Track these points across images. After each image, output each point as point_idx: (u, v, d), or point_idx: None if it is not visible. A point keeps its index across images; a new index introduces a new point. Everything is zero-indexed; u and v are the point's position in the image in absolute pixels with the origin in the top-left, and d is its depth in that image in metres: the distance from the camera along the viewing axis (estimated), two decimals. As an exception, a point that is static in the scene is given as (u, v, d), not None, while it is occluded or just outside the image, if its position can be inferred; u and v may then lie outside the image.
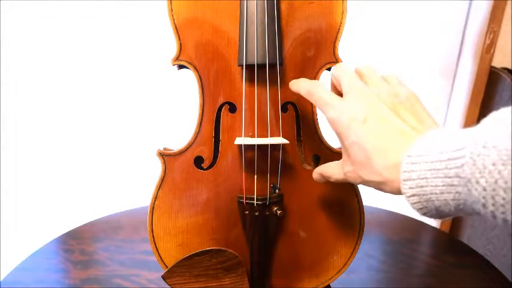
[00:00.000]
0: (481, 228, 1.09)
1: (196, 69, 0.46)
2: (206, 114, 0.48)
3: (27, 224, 1.09)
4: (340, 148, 0.51)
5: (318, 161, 0.50)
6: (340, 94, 0.38)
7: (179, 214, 0.49)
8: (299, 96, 0.44)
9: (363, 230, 0.52)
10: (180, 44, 0.46)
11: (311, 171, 0.48)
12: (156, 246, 0.50)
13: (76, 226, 0.76)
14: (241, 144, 0.46)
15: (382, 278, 0.65)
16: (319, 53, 0.47)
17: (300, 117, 0.49)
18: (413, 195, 0.30)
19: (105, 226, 0.77)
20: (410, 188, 0.30)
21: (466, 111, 1.05)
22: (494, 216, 0.25)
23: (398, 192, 0.32)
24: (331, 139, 0.50)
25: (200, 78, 0.47)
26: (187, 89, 0.63)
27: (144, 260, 0.67)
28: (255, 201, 0.48)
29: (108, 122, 1.02)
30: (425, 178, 0.29)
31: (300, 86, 0.42)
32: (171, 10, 0.44)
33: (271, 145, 0.47)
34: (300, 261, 0.52)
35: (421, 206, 0.30)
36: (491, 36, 0.96)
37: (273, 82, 0.46)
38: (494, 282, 0.64)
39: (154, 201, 0.49)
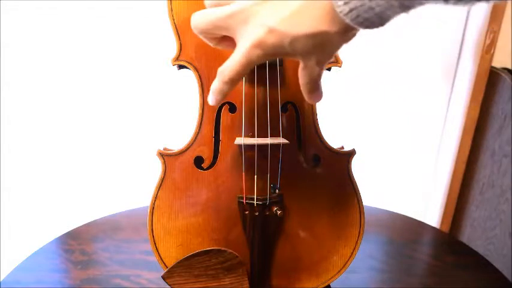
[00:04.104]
0: (481, 228, 1.09)
1: (196, 69, 0.46)
2: (206, 114, 0.47)
3: (27, 224, 1.09)
4: (340, 148, 0.51)
5: (318, 161, 0.50)
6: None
7: (179, 214, 0.49)
8: (299, 96, 0.44)
9: (363, 230, 0.52)
10: (180, 44, 0.45)
11: (311, 171, 0.48)
12: (156, 247, 0.50)
13: (76, 226, 0.76)
14: (241, 144, 0.46)
15: (382, 278, 0.65)
16: (319, 53, 0.47)
17: (300, 117, 0.49)
18: (351, 10, 0.27)
19: (105, 226, 0.77)
20: (345, 3, 0.27)
21: (466, 111, 1.05)
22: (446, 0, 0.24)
23: (342, 28, 0.29)
24: (331, 139, 0.50)
25: (200, 78, 0.47)
26: (187, 89, 0.63)
27: (144, 260, 0.67)
28: (255, 201, 0.48)
29: (108, 122, 1.02)
30: None
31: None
32: (171, 10, 0.44)
33: (271, 145, 0.47)
34: (300, 261, 0.52)
35: (362, 20, 0.28)
36: (491, 36, 0.96)
37: (273, 82, 0.46)
38: (494, 282, 0.64)
39: (155, 201, 0.49)
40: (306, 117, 0.49)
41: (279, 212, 0.47)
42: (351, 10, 0.27)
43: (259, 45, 0.31)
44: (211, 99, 0.36)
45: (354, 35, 0.32)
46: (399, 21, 0.29)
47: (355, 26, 0.29)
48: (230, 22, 0.32)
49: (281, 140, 0.46)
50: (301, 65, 0.33)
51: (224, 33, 0.34)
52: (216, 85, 0.35)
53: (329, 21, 0.29)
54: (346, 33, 0.30)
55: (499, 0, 0.23)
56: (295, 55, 0.32)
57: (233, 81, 0.34)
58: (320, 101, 0.40)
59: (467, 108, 1.05)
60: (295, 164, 0.49)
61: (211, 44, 0.36)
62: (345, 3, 0.27)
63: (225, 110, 0.47)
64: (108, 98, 1.00)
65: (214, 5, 0.34)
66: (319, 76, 0.34)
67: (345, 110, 1.05)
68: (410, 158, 1.13)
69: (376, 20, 0.28)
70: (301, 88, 0.35)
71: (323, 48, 0.31)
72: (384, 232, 0.78)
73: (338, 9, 0.28)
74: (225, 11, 0.32)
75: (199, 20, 0.34)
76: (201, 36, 0.35)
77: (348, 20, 0.28)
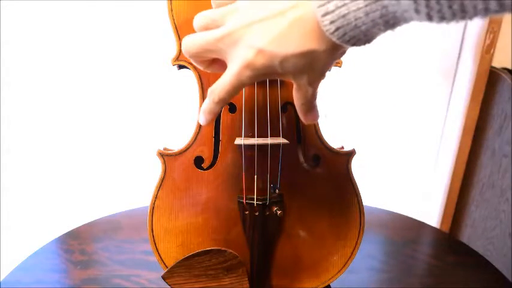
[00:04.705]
0: (481, 228, 1.09)
1: (196, 69, 0.46)
2: (206, 114, 0.47)
3: (27, 224, 1.09)
4: (340, 148, 0.51)
5: (318, 161, 0.50)
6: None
7: (179, 214, 0.49)
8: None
9: (363, 230, 0.52)
10: (180, 44, 0.45)
11: (311, 171, 0.48)
12: (156, 247, 0.50)
13: (76, 226, 0.76)
14: (241, 145, 0.46)
15: (382, 278, 0.65)
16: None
17: (300, 118, 0.48)
18: (338, 28, 0.27)
19: (105, 226, 0.77)
20: (331, 22, 0.27)
21: (466, 111, 1.05)
22: (430, 18, 0.24)
23: (330, 46, 0.29)
24: (331, 139, 0.50)
25: (200, 78, 0.47)
26: (187, 89, 0.63)
27: (144, 260, 0.67)
28: (255, 201, 0.48)
29: (108, 122, 1.02)
30: (345, 5, 0.27)
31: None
32: (171, 10, 0.44)
33: (271, 145, 0.47)
34: (300, 261, 0.52)
35: (348, 38, 0.28)
36: (491, 36, 0.96)
37: (273, 82, 0.46)
38: (494, 282, 0.64)
39: (155, 201, 0.49)
40: (306, 117, 0.49)
41: (279, 212, 0.47)
42: (337, 28, 0.28)
43: (248, 66, 0.31)
44: (202, 119, 0.37)
45: (344, 52, 0.32)
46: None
47: (342, 44, 0.29)
48: (220, 45, 0.32)
49: (281, 140, 0.46)
50: (294, 87, 0.34)
51: (215, 56, 0.34)
52: (206, 105, 0.36)
53: (316, 39, 0.29)
54: (334, 51, 0.30)
55: (481, 17, 0.23)
56: (286, 75, 0.32)
57: (224, 101, 0.35)
58: (316, 121, 0.39)
59: (467, 108, 1.05)
60: (295, 164, 0.49)
61: (201, 68, 0.37)
62: (331, 22, 0.27)
63: (225, 110, 0.47)
64: (108, 98, 1.00)
65: (204, 29, 0.34)
66: (313, 96, 0.34)
67: (345, 110, 1.05)
68: (410, 158, 1.13)
69: (363, 38, 0.28)
70: (297, 109, 0.36)
71: (313, 67, 0.31)
72: (384, 232, 0.78)
73: (324, 28, 0.28)
74: (215, 35, 0.32)
75: (190, 44, 0.34)
76: (192, 60, 0.36)
77: (334, 39, 0.28)
